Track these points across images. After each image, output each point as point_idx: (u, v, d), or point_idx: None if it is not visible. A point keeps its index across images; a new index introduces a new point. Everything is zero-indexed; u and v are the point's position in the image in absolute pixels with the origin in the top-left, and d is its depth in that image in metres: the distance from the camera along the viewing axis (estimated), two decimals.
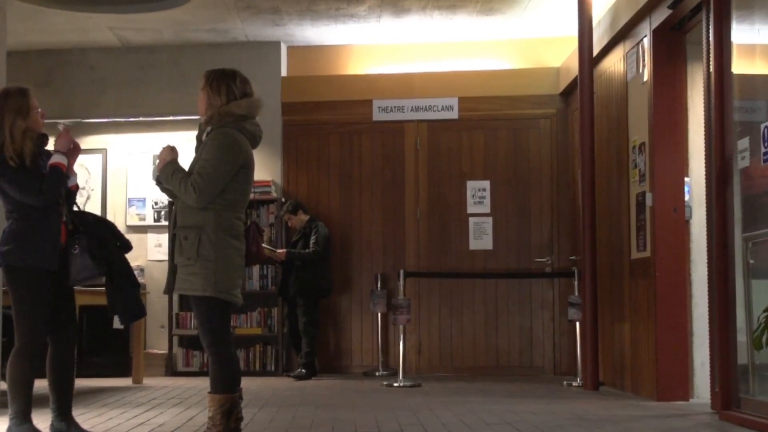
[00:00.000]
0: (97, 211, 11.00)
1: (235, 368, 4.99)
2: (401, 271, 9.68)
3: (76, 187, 5.61)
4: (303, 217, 10.41)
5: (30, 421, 5.27)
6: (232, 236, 4.88)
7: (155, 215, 11.11)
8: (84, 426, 5.62)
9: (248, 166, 4.96)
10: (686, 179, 7.81)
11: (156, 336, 10.92)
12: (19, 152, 5.24)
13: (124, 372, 10.04)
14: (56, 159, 5.33)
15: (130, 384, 9.38)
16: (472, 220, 10.77)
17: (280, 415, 6.81)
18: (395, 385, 9.14)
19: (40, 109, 5.44)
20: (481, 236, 10.74)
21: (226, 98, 4.92)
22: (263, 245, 10.05)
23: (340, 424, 6.24)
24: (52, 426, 5.38)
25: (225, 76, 5.00)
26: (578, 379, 9.01)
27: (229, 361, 4.95)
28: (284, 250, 10.30)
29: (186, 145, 11.36)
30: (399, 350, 9.52)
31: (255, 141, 5.04)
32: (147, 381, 9.73)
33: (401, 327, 9.56)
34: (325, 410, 7.09)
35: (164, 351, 10.76)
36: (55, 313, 5.35)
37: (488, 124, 10.90)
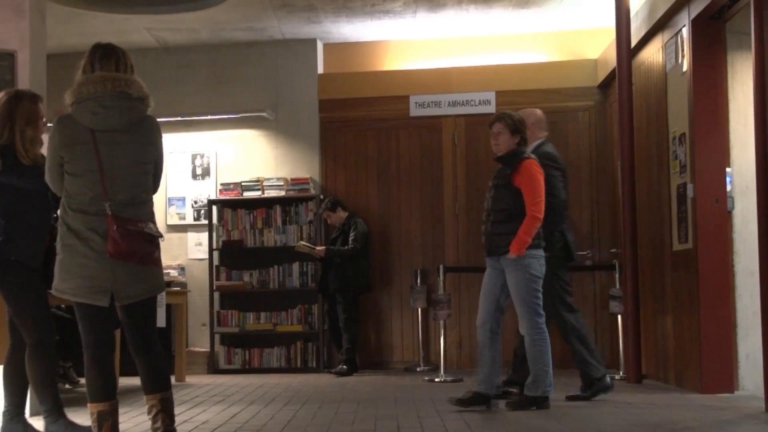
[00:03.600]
0: None
1: (94, 376, 4.50)
2: (441, 267, 9.66)
3: None
4: (342, 214, 10.43)
5: (64, 415, 5.28)
6: (74, 231, 4.44)
7: (195, 214, 11.17)
8: (130, 424, 5.66)
9: (73, 156, 4.46)
10: (728, 170, 7.72)
11: (198, 334, 10.99)
12: (28, 155, 5.32)
13: None
14: None
15: (174, 382, 9.42)
16: None
17: (322, 411, 6.83)
18: (436, 380, 9.13)
19: (44, 119, 5.50)
20: None
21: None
22: (253, 244, 10.10)
23: (382, 420, 6.24)
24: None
25: (87, 54, 4.65)
26: (621, 372, 8.94)
27: (88, 368, 4.53)
28: (323, 247, 10.33)
29: (220, 144, 11.47)
30: (440, 345, 9.51)
31: (93, 122, 4.45)
32: (189, 379, 9.80)
33: (442, 322, 9.55)
34: (367, 406, 7.09)
35: (206, 349, 10.83)
36: None
37: None
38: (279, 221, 10.87)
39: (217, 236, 10.92)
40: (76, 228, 4.43)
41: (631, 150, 8.79)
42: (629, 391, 7.90)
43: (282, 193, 10.86)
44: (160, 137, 4.68)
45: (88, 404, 4.50)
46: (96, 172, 4.44)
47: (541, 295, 6.67)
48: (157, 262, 4.59)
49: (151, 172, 4.63)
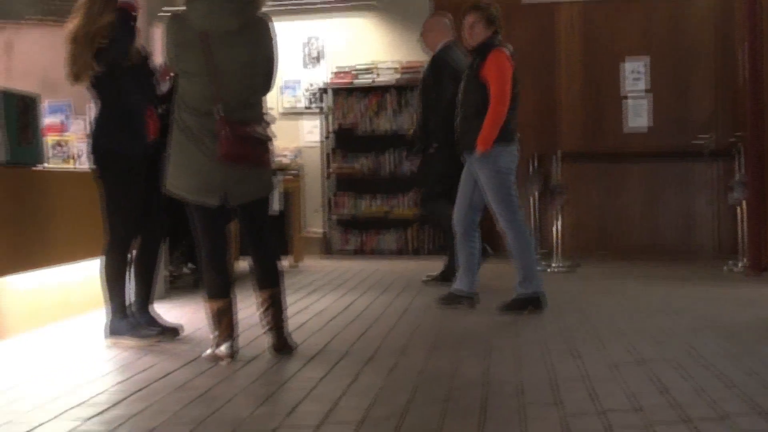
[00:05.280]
0: None
1: (211, 275, 4.65)
2: (558, 153, 9.50)
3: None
4: None
5: (128, 316, 5.31)
6: (187, 130, 4.50)
7: (308, 100, 11.18)
8: (249, 311, 5.75)
9: (185, 57, 4.50)
10: None
11: (313, 218, 11.12)
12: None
13: (283, 253, 10.26)
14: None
15: (289, 265, 9.55)
16: (629, 99, 10.43)
17: (435, 295, 6.82)
18: (550, 268, 8.98)
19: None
20: (638, 116, 10.41)
21: None
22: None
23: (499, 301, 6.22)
24: (132, 317, 5.34)
25: None
26: (741, 262, 8.70)
27: (205, 268, 4.69)
28: None
29: (330, 30, 11.22)
30: (555, 231, 9.39)
31: (205, 24, 4.46)
32: (305, 262, 9.93)
33: (558, 208, 9.41)
34: (484, 294, 6.93)
35: (321, 231, 10.97)
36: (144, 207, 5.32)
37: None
38: (392, 107, 10.80)
39: (332, 121, 10.94)
40: (190, 126, 4.49)
41: (757, 28, 8.39)
42: (750, 283, 7.73)
43: (397, 76, 10.74)
44: (274, 37, 4.65)
45: (206, 302, 4.62)
46: (207, 75, 4.45)
47: (514, 190, 6.38)
48: (267, 163, 4.66)
49: (263, 73, 4.62)
